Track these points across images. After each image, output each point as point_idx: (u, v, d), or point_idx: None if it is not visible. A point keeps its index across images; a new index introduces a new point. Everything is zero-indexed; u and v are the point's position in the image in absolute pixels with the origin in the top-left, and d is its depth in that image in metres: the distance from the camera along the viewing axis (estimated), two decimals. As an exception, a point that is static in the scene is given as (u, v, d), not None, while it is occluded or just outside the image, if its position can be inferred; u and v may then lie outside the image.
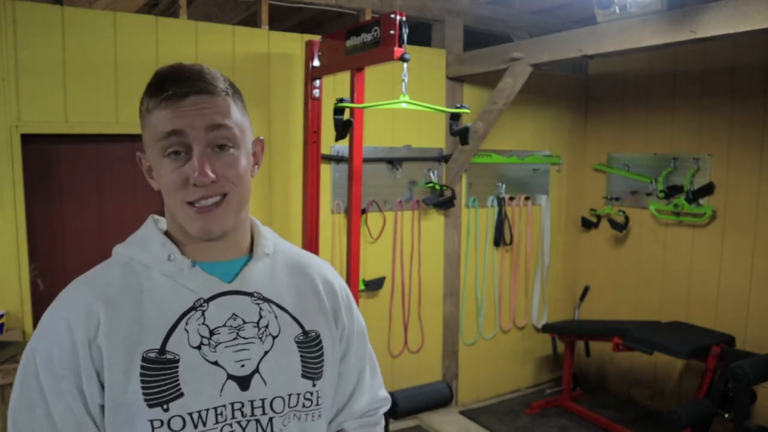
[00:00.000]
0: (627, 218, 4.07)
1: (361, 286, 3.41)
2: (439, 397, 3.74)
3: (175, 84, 0.86)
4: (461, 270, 3.94)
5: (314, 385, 0.96)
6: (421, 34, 3.79)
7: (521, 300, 4.25)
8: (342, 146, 3.10)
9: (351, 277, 2.77)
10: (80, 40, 2.63)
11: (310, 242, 3.00)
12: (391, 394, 3.50)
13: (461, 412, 3.89)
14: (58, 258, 2.72)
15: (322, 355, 0.98)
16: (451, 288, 3.90)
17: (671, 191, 3.75)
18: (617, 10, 2.69)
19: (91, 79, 2.66)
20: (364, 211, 3.44)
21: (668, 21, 2.55)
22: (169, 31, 2.84)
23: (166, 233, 0.96)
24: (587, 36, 2.91)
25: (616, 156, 4.16)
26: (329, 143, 3.14)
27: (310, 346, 0.97)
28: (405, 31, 2.30)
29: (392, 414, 3.19)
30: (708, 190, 3.58)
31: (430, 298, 3.83)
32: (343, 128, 2.50)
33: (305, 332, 0.97)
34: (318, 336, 0.99)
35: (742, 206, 3.46)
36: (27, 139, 2.58)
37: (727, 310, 3.55)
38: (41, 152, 2.68)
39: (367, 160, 3.22)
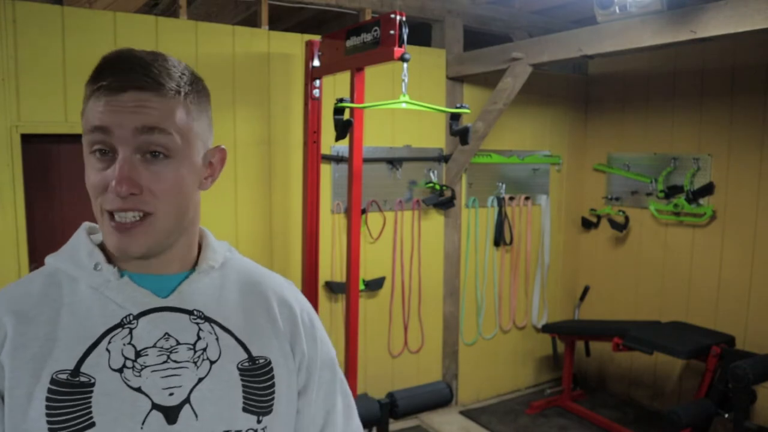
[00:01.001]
0: (627, 218, 4.07)
1: (361, 286, 3.41)
2: (439, 397, 3.74)
3: (114, 74, 0.75)
4: (461, 270, 3.94)
5: (259, 422, 0.81)
6: (421, 34, 3.79)
7: (521, 300, 4.25)
8: (342, 146, 3.10)
9: (351, 277, 2.77)
10: (80, 40, 2.63)
11: (310, 242, 3.00)
12: (391, 394, 3.52)
13: (461, 412, 3.89)
14: (58, 258, 2.72)
15: (272, 386, 0.84)
16: (451, 288, 3.90)
17: (671, 191, 3.75)
18: (617, 10, 2.69)
19: (91, 79, 2.66)
20: (364, 211, 3.44)
21: (668, 21, 2.55)
22: (169, 31, 2.84)
23: (100, 243, 0.84)
24: (587, 36, 2.90)
25: (616, 156, 4.16)
26: (329, 143, 3.14)
27: (256, 374, 0.83)
28: (405, 31, 2.30)
29: (392, 414, 3.19)
30: (708, 190, 3.58)
31: (430, 298, 3.83)
32: (343, 128, 2.50)
33: (252, 358, 0.83)
34: (268, 363, 0.84)
35: (742, 206, 3.46)
36: (27, 139, 2.58)
37: (727, 310, 3.55)
38: (41, 152, 2.68)
39: (367, 160, 3.22)
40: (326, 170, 3.29)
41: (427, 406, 3.61)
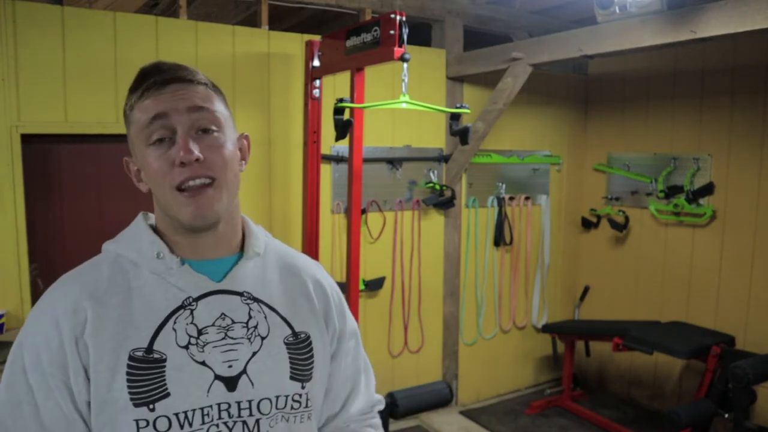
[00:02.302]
0: (627, 218, 4.07)
1: (361, 286, 3.41)
2: (439, 397, 3.74)
3: (154, 75, 0.88)
4: (461, 270, 3.94)
5: (303, 387, 0.94)
6: (421, 34, 3.79)
7: (521, 300, 4.25)
8: (342, 146, 3.10)
9: (351, 277, 2.77)
10: (80, 40, 2.63)
11: (310, 242, 3.00)
12: (391, 394, 3.52)
13: (461, 412, 3.89)
14: (58, 258, 2.72)
15: (312, 357, 0.97)
16: (451, 288, 3.90)
17: (671, 191, 3.75)
18: (617, 10, 2.69)
19: (91, 79, 2.66)
20: (364, 211, 3.44)
21: (668, 21, 2.55)
22: (169, 31, 2.84)
23: (156, 230, 0.95)
24: (587, 36, 2.90)
25: (616, 156, 4.16)
26: (329, 143, 3.14)
27: (299, 347, 0.96)
28: (405, 31, 2.30)
29: (392, 414, 3.19)
30: (708, 190, 3.58)
31: (430, 298, 3.83)
32: (343, 128, 2.50)
33: (295, 333, 0.96)
34: (308, 338, 0.97)
35: (742, 206, 3.46)
36: (27, 139, 2.57)
37: (727, 310, 3.55)
38: (41, 152, 2.68)
39: (367, 160, 3.22)
40: (326, 170, 3.29)
41: (427, 406, 3.62)
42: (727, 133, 3.52)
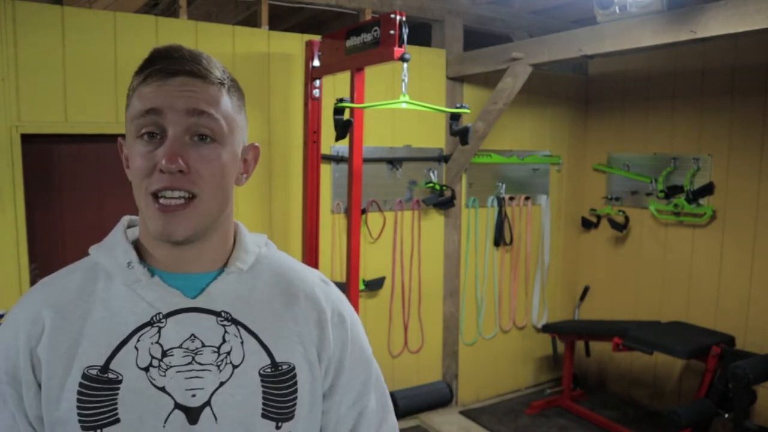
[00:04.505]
0: (627, 218, 4.07)
1: (361, 286, 3.41)
2: (439, 397, 3.75)
3: (165, 60, 0.79)
4: (461, 270, 3.94)
5: (278, 427, 0.82)
6: (421, 34, 3.79)
7: (521, 300, 4.25)
8: (342, 146, 3.10)
9: (351, 277, 2.77)
10: (80, 40, 2.63)
11: (310, 242, 3.00)
12: (391, 394, 3.53)
13: (461, 412, 3.89)
14: (58, 258, 2.72)
15: (294, 392, 0.84)
16: (451, 288, 3.90)
17: (671, 191, 3.75)
18: (617, 10, 2.69)
19: (91, 79, 2.66)
20: (364, 211, 3.44)
21: (668, 21, 2.55)
22: (169, 31, 2.84)
23: (137, 238, 0.87)
24: (587, 36, 2.90)
25: (616, 156, 4.16)
26: (329, 143, 3.14)
27: (278, 381, 0.83)
28: (405, 31, 2.30)
29: (392, 414, 3.20)
30: (708, 190, 3.58)
31: (430, 298, 3.83)
32: (343, 128, 2.50)
33: (275, 364, 0.83)
34: (291, 369, 0.84)
35: (742, 206, 3.46)
36: (27, 139, 2.57)
37: (727, 310, 3.55)
38: (41, 152, 2.68)
39: (367, 160, 3.22)
40: (326, 170, 3.29)
41: (428, 405, 3.62)
42: (727, 133, 3.52)
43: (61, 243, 2.74)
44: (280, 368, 0.84)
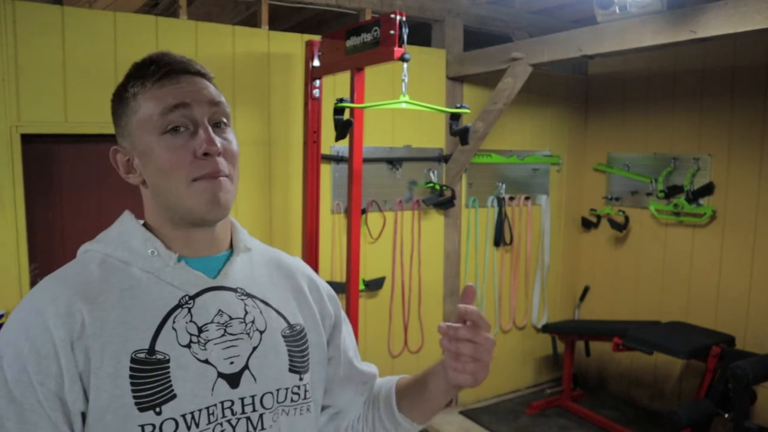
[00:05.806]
0: (627, 218, 4.07)
1: (361, 286, 3.41)
2: (439, 397, 3.73)
3: (168, 64, 0.87)
4: (461, 270, 3.94)
5: (301, 379, 0.95)
6: (421, 34, 3.79)
7: (521, 300, 4.25)
8: (342, 146, 3.10)
9: (351, 277, 2.77)
10: (80, 40, 2.63)
11: (310, 242, 3.00)
12: (391, 394, 3.40)
13: (461, 412, 3.89)
14: (58, 258, 2.72)
15: (307, 348, 0.98)
16: (451, 288, 3.90)
17: (671, 191, 3.75)
18: (617, 10, 2.69)
19: (91, 79, 2.66)
20: (364, 211, 3.44)
21: (668, 21, 2.55)
22: (169, 31, 2.84)
23: (146, 227, 0.92)
24: (587, 36, 2.90)
25: (616, 156, 4.16)
26: (329, 143, 3.14)
27: (296, 339, 0.96)
28: (405, 31, 2.30)
29: (392, 414, 3.20)
30: (708, 190, 3.58)
31: (430, 298, 3.83)
32: (343, 128, 2.50)
33: (291, 326, 0.96)
34: (303, 329, 0.98)
35: (742, 206, 3.46)
36: (27, 139, 2.57)
37: (727, 310, 3.55)
38: (41, 152, 2.68)
39: (367, 160, 3.22)
40: (326, 170, 3.29)
41: (427, 406, 3.60)
42: (727, 133, 3.52)
43: (61, 243, 2.74)
44: (294, 329, 0.97)
